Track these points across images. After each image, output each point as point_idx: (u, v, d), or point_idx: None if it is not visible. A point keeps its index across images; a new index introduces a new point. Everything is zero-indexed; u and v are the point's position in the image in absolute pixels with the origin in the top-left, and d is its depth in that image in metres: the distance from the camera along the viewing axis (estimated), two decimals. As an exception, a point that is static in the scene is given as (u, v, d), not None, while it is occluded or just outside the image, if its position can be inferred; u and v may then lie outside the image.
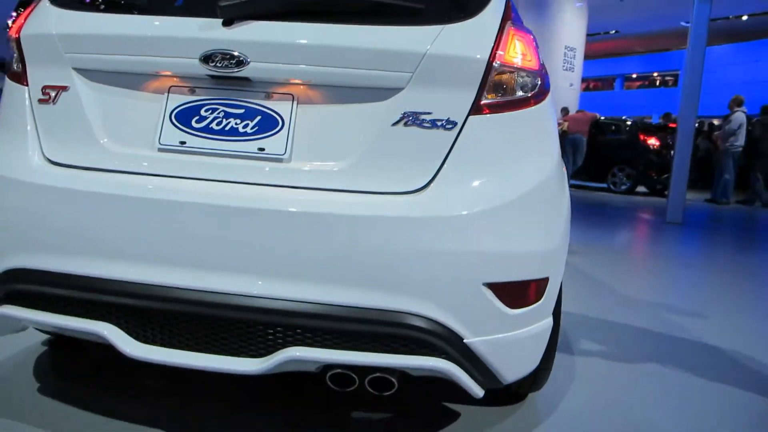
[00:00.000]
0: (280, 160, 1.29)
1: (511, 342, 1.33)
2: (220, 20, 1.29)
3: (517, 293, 1.32)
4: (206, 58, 1.28)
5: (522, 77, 1.34)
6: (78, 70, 1.39)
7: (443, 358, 1.25)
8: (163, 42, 1.32)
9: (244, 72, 1.28)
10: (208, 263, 1.24)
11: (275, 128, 1.30)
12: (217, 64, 1.28)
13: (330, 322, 1.22)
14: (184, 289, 1.24)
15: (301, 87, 1.32)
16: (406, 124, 1.28)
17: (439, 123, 1.28)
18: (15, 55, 1.46)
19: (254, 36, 1.27)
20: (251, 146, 1.30)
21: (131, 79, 1.37)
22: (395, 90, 1.28)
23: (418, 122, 1.28)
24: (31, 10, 1.49)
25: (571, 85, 14.35)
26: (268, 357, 1.24)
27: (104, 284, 1.27)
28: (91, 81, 1.39)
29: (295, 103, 1.31)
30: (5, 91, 1.49)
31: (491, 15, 1.35)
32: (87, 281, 1.28)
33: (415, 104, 1.28)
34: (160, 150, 1.33)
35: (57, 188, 1.31)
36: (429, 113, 1.28)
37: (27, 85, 1.43)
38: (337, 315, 1.22)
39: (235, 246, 1.23)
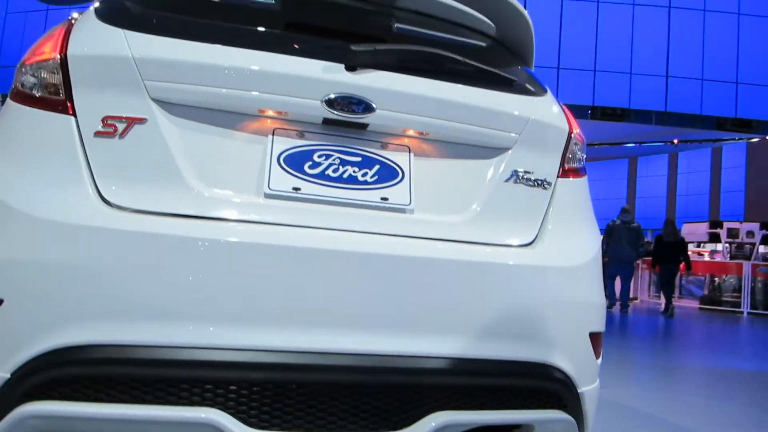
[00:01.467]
0: (403, 211, 1.24)
1: (596, 393, 1.40)
2: (342, 64, 1.24)
3: (598, 343, 1.42)
4: (330, 102, 1.20)
5: (581, 149, 1.54)
6: (159, 101, 1.16)
7: (564, 411, 1.26)
8: (278, 80, 1.19)
9: (367, 119, 1.23)
10: (334, 320, 1.09)
11: (396, 178, 1.26)
12: (343, 109, 1.21)
13: (476, 378, 1.16)
14: (303, 353, 1.06)
15: (416, 140, 1.31)
16: (515, 182, 1.35)
17: (538, 183, 1.38)
18: (49, 77, 1.17)
19: (383, 84, 1.24)
20: (374, 195, 1.23)
21: (227, 118, 1.20)
22: (504, 149, 1.36)
23: (524, 180, 1.36)
24: (68, 28, 1.22)
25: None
26: (414, 427, 1.10)
27: (204, 355, 1.02)
28: (175, 116, 1.17)
29: (411, 154, 1.29)
30: (21, 121, 1.16)
31: (552, 92, 1.56)
32: (185, 354, 1.01)
33: (520, 163, 1.37)
34: (268, 196, 1.16)
35: (129, 235, 1.04)
36: (531, 173, 1.38)
37: (73, 114, 1.14)
38: (482, 370, 1.16)
39: (366, 300, 1.12)
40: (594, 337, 1.36)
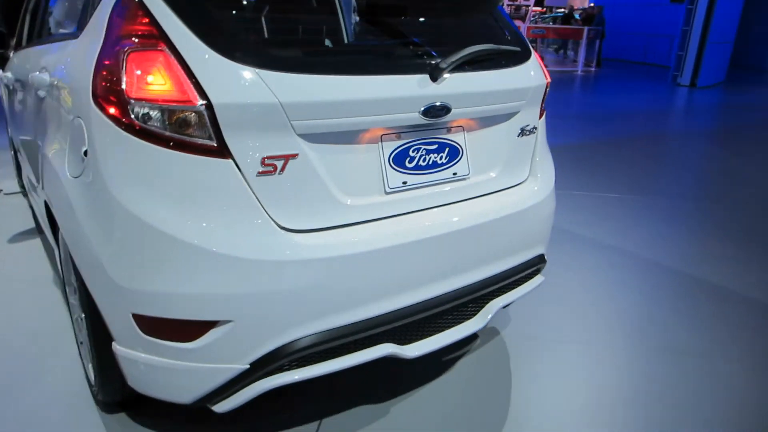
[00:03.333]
0: (465, 179, 1.69)
1: None
2: (427, 75, 1.50)
3: None
4: (425, 111, 1.50)
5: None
6: (303, 136, 1.35)
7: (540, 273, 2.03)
8: (388, 102, 1.44)
9: (446, 117, 1.57)
10: (448, 271, 1.62)
11: (459, 155, 1.67)
12: (433, 115, 1.52)
13: (507, 278, 1.83)
14: (432, 299, 1.60)
15: (467, 121, 1.68)
16: (519, 136, 1.85)
17: (530, 131, 1.89)
18: (196, 124, 1.25)
19: (454, 87, 1.55)
20: (449, 173, 1.64)
21: (348, 135, 1.43)
22: (516, 113, 1.81)
23: (524, 133, 1.86)
24: (182, 63, 1.25)
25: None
26: (478, 316, 1.77)
27: (376, 321, 1.50)
28: (314, 143, 1.38)
29: (465, 133, 1.68)
30: (177, 166, 1.26)
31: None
32: (363, 324, 1.48)
33: (524, 120, 1.84)
34: (387, 193, 1.52)
35: (317, 255, 1.37)
36: (527, 125, 1.87)
37: (230, 158, 1.28)
38: (511, 274, 1.83)
39: (463, 253, 1.64)
40: None
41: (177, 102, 1.25)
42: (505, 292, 1.84)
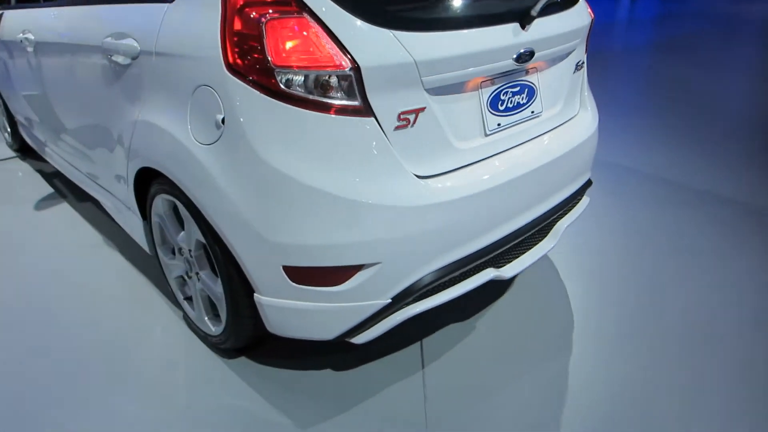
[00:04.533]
0: (539, 116, 1.87)
1: None
2: (518, 24, 1.64)
3: None
4: (517, 57, 1.65)
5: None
6: (429, 90, 1.48)
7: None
8: (491, 53, 1.57)
9: (530, 61, 1.72)
10: (534, 200, 1.84)
11: (534, 95, 1.83)
12: (522, 59, 1.67)
13: (568, 203, 2.06)
14: (522, 226, 1.82)
15: (541, 62, 1.83)
16: (574, 72, 2.02)
17: (580, 66, 2.07)
18: (343, 86, 1.36)
19: (539, 33, 1.69)
20: (527, 112, 1.82)
21: (458, 86, 1.57)
22: (573, 51, 1.97)
23: (577, 68, 2.04)
24: (322, 25, 1.33)
25: None
26: (550, 236, 2.01)
27: (484, 251, 1.71)
28: (435, 96, 1.51)
29: (538, 73, 1.84)
30: (321, 125, 1.37)
31: None
32: (475, 255, 1.68)
33: (577, 56, 2.02)
34: (487, 135, 1.68)
35: (446, 197, 1.54)
36: (579, 61, 2.05)
37: (372, 116, 1.41)
38: (572, 198, 2.07)
39: (545, 183, 1.84)
40: None
41: (325, 67, 1.34)
42: (567, 213, 2.09)
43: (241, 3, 1.39)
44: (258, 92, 1.37)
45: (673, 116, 4.53)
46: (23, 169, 3.59)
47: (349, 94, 1.37)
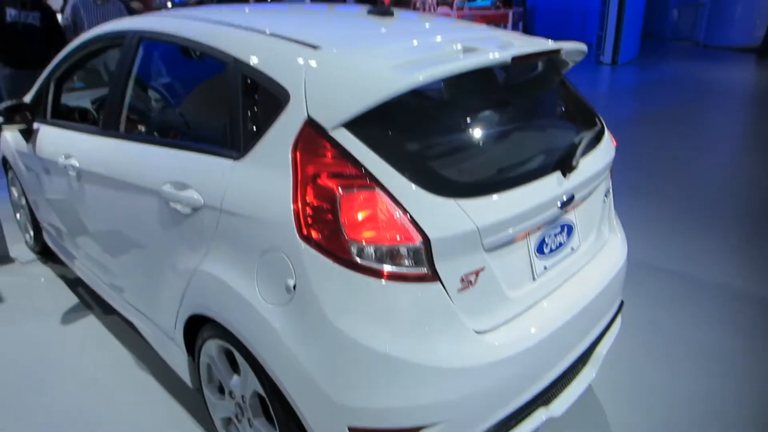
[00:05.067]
0: (578, 251, 1.97)
1: None
2: (560, 173, 1.76)
3: None
4: (561, 204, 1.76)
5: None
6: (488, 250, 1.57)
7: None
8: (541, 205, 1.68)
9: (572, 204, 1.83)
10: (581, 335, 1.91)
11: (573, 232, 1.94)
12: (565, 205, 1.78)
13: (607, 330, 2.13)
14: (572, 363, 1.88)
15: (578, 201, 1.94)
16: (603, 201, 2.14)
17: (607, 192, 2.19)
18: (412, 257, 1.44)
19: (577, 179, 1.82)
20: (568, 249, 1.92)
21: (509, 241, 1.66)
22: (605, 179, 2.10)
23: (606, 195, 2.16)
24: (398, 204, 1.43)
25: None
26: (591, 363, 2.06)
27: (538, 396, 1.76)
28: (491, 253, 1.60)
29: (575, 210, 1.95)
30: (383, 292, 1.44)
31: None
32: (530, 402, 1.73)
33: (606, 185, 2.14)
34: (535, 280, 1.77)
35: (505, 353, 1.59)
36: (607, 188, 2.17)
37: (438, 281, 1.48)
38: (609, 324, 2.14)
39: (590, 317, 1.93)
40: None
41: (399, 241, 1.43)
42: (603, 337, 2.16)
43: (313, 172, 1.48)
44: (331, 262, 1.44)
45: (676, 199, 4.71)
46: (45, 274, 3.61)
47: (418, 263, 1.46)
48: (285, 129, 1.57)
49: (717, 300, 3.15)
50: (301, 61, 1.62)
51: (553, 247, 1.85)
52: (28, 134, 3.11)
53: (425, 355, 1.48)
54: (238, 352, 1.76)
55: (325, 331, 1.48)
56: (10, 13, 4.89)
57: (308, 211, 1.47)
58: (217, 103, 1.87)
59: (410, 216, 1.44)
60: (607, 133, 2.19)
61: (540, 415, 1.78)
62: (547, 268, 1.82)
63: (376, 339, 1.45)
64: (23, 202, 3.72)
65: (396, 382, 1.47)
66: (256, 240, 1.60)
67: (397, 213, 1.44)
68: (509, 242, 1.66)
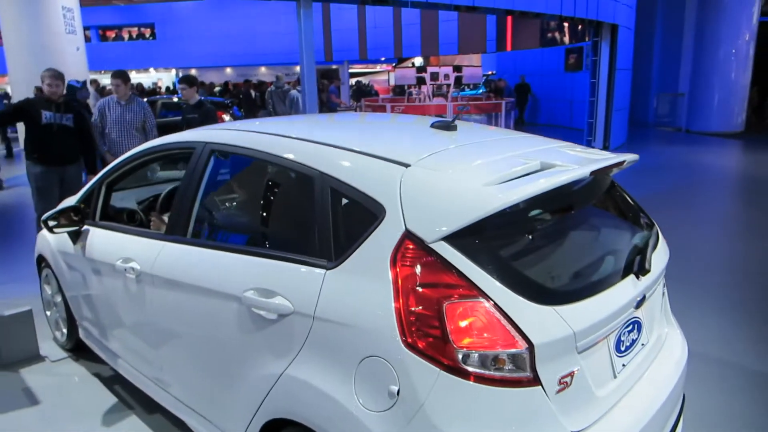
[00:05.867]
0: (646, 346, 2.03)
1: None
2: (634, 276, 1.86)
3: None
4: (637, 305, 1.85)
5: None
6: (580, 352, 1.63)
7: None
8: (623, 307, 1.78)
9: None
10: (664, 422, 1.94)
11: (642, 328, 2.01)
12: (639, 306, 1.87)
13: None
14: None
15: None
16: (662, 296, 2.23)
17: (664, 287, 2.29)
18: (519, 363, 1.49)
19: (647, 279, 1.93)
20: (639, 345, 1.98)
21: (596, 341, 1.73)
22: (661, 279, 2.20)
23: (663, 290, 2.25)
24: (500, 311, 1.51)
25: (78, 49, 13.15)
26: None
27: None
28: (581, 354, 1.66)
29: (642, 308, 2.03)
30: (488, 397, 1.48)
31: None
32: None
33: (662, 281, 2.24)
34: (615, 378, 1.82)
35: None
36: (663, 283, 2.27)
37: (540, 384, 1.53)
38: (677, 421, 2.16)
39: (665, 412, 1.95)
40: None
41: (504, 347, 1.49)
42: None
43: (416, 282, 1.56)
44: (438, 369, 1.49)
45: (698, 289, 4.81)
46: (79, 372, 3.55)
47: (521, 368, 1.51)
48: (382, 241, 1.67)
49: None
50: (395, 178, 1.74)
51: (628, 345, 1.92)
52: (76, 235, 3.19)
53: None
54: None
55: None
56: (45, 115, 5.12)
57: (412, 319, 1.54)
58: (301, 215, 1.97)
59: (514, 323, 1.51)
60: (657, 229, 2.32)
61: None
62: (625, 365, 1.87)
63: None
64: (58, 299, 3.73)
65: None
66: (355, 346, 1.64)
67: (502, 320, 1.51)
68: (595, 343, 1.73)
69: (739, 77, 15.37)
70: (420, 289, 1.56)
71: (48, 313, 4.01)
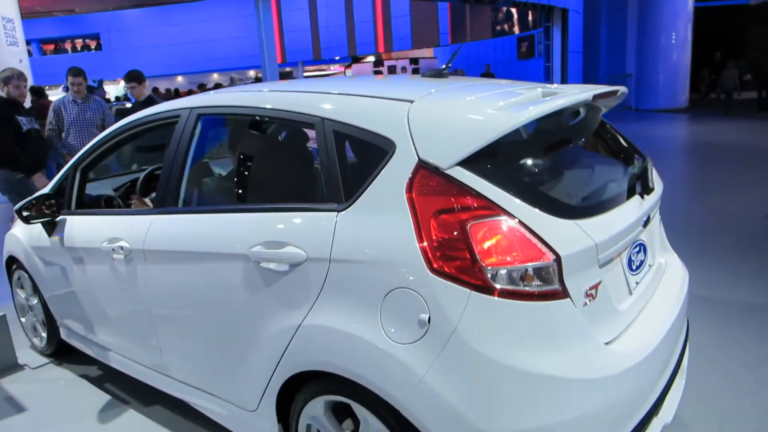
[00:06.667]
0: (651, 266, 2.07)
1: None
2: (639, 196, 1.90)
3: None
4: (644, 224, 1.88)
5: None
6: (600, 265, 1.64)
7: None
8: (635, 222, 1.83)
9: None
10: (677, 342, 1.98)
11: (647, 250, 2.05)
12: (645, 225, 1.91)
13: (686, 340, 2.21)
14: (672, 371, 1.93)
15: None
16: (660, 222, 2.28)
17: (659, 214, 2.34)
18: (547, 276, 1.49)
19: (650, 201, 1.98)
20: (646, 266, 2.03)
21: (612, 257, 1.75)
22: (657, 204, 2.25)
23: (659, 217, 2.31)
24: (523, 226, 1.51)
25: (21, 61, 12.60)
26: (685, 363, 2.11)
27: (654, 405, 1.79)
28: (603, 268, 1.68)
29: (644, 231, 2.07)
30: (516, 311, 1.48)
31: None
32: (650, 411, 1.76)
33: (656, 206, 2.29)
34: (631, 294, 1.85)
35: (633, 360, 1.64)
36: (658, 209, 2.32)
37: (569, 297, 1.54)
38: (687, 334, 2.22)
39: (680, 326, 2.02)
40: None
41: (533, 259, 1.49)
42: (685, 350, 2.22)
43: (437, 208, 1.54)
44: (468, 290, 1.48)
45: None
46: (64, 376, 3.37)
47: (550, 281, 1.51)
48: (395, 174, 1.64)
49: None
50: (401, 112, 1.72)
51: (638, 264, 1.95)
52: (52, 227, 3.03)
53: (568, 369, 1.50)
54: (356, 403, 1.71)
55: (467, 358, 1.48)
56: (22, 121, 4.84)
57: (435, 245, 1.52)
58: (304, 163, 1.93)
59: (539, 236, 1.51)
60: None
61: (656, 425, 1.79)
62: (638, 283, 1.91)
63: (520, 359, 1.47)
64: (35, 302, 3.54)
65: (544, 399, 1.48)
66: (377, 282, 1.61)
67: (527, 234, 1.51)
68: (612, 259, 1.75)
69: (681, 59, 16.66)
70: (442, 215, 1.54)
71: (23, 319, 3.81)
